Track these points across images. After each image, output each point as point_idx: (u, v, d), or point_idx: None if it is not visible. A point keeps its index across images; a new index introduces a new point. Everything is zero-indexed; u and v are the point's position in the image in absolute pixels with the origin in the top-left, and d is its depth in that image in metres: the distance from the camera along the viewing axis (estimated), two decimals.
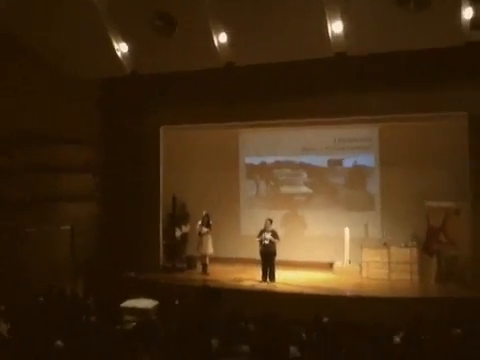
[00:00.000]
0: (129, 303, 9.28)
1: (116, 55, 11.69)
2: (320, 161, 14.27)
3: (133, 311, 8.71)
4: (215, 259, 13.26)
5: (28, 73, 11.84)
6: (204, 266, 12.96)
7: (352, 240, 12.72)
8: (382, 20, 9.78)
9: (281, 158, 14.64)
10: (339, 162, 14.13)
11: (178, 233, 14.04)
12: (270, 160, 14.76)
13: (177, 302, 9.15)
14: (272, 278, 11.86)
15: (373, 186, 13.76)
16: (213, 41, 10.97)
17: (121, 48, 11.69)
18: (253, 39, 10.77)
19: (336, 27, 10.24)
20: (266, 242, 11.84)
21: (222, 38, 11.01)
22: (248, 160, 14.99)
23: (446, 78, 10.85)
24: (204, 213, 13.03)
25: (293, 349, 6.06)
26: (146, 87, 12.93)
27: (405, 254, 12.19)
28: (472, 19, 9.04)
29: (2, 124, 11.42)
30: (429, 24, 9.52)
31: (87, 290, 12.10)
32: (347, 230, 12.77)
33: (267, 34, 10.51)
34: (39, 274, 11.07)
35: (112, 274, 12.40)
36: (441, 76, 10.87)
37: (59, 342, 6.07)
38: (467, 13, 9.31)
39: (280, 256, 12.09)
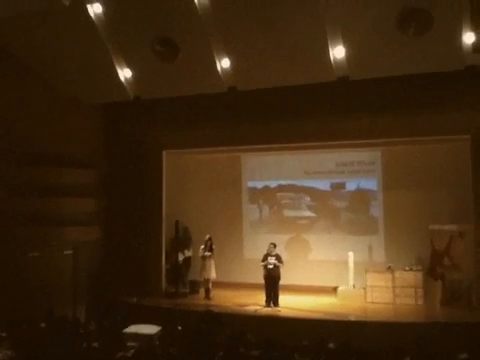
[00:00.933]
0: (132, 329, 9.17)
1: (119, 80, 11.81)
2: (323, 185, 14.28)
3: (136, 337, 8.60)
4: (218, 284, 13.17)
5: (32, 95, 11.98)
6: (207, 291, 12.86)
7: (356, 264, 12.63)
8: (383, 45, 9.89)
9: (284, 182, 14.64)
10: (342, 185, 14.13)
11: (181, 257, 13.97)
12: (273, 184, 14.76)
13: (180, 328, 9.05)
14: (276, 303, 11.75)
15: (376, 209, 13.73)
16: (216, 66, 11.07)
17: (124, 73, 11.80)
18: (256, 64, 10.87)
19: (338, 52, 10.34)
20: (270, 266, 11.76)
21: (225, 63, 11.11)
22: (251, 184, 15.00)
23: (449, 101, 10.91)
24: (207, 237, 12.99)
25: None
26: (149, 111, 13.01)
27: (410, 278, 12.10)
28: (474, 43, 9.11)
29: (5, 146, 11.46)
30: (430, 48, 9.64)
31: (89, 315, 12.03)
32: (351, 254, 12.70)
33: (269, 59, 10.61)
34: (41, 299, 11.00)
35: (114, 299, 12.32)
36: (444, 99, 10.93)
37: None
38: (468, 37, 9.39)
39: (284, 280, 11.99)
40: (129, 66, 11.70)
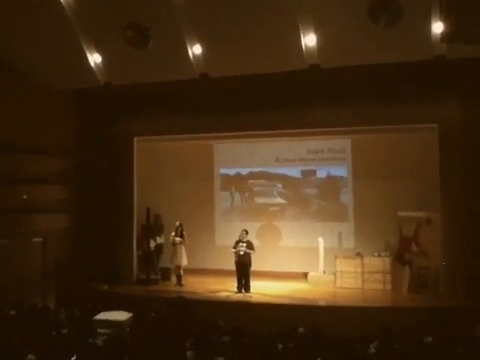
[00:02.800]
0: (102, 315, 9.15)
1: (90, 66, 11.65)
2: (294, 172, 14.38)
3: (106, 323, 8.59)
4: (190, 270, 13.21)
5: (1, 82, 11.69)
6: (178, 277, 12.89)
7: (326, 250, 12.80)
8: (354, 34, 9.96)
9: (256, 169, 14.70)
10: (313, 173, 14.25)
11: (152, 244, 13.96)
12: (245, 171, 14.81)
13: (153, 314, 9.07)
14: (247, 289, 11.85)
15: (346, 197, 13.90)
16: (187, 52, 11.01)
17: (95, 59, 11.64)
18: (227, 51, 10.86)
19: (309, 40, 10.39)
20: (241, 253, 11.84)
21: (196, 49, 11.05)
22: (223, 171, 15.01)
23: (417, 91, 11.06)
24: (177, 223, 12.98)
25: None
26: (120, 98, 12.87)
27: (378, 264, 12.33)
28: (442, 33, 9.23)
29: None
30: (400, 38, 9.73)
31: (59, 303, 11.94)
32: (321, 240, 12.85)
33: (241, 46, 10.59)
34: (10, 287, 10.88)
35: (85, 287, 12.25)
36: (413, 89, 11.09)
37: (31, 356, 5.96)
38: (437, 27, 9.52)
39: (255, 267, 12.09)
40: (99, 51, 11.53)
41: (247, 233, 12.11)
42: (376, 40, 9.88)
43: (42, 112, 12.54)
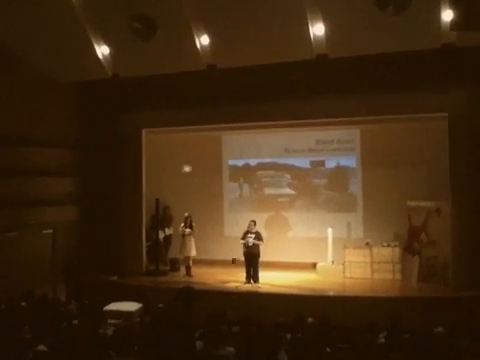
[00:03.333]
0: (112, 306, 9.22)
1: (97, 58, 11.65)
2: (303, 163, 14.35)
3: (116, 314, 8.65)
4: (199, 261, 13.24)
5: (7, 75, 11.71)
6: (187, 268, 12.94)
7: (335, 241, 12.80)
8: (362, 23, 9.88)
9: (264, 160, 14.67)
10: (321, 163, 14.21)
11: (161, 235, 14.02)
12: (253, 162, 14.79)
13: (161, 305, 9.11)
14: (256, 279, 11.88)
15: (355, 187, 13.86)
16: (195, 44, 10.98)
17: (102, 51, 11.64)
18: (235, 42, 10.82)
19: (317, 29, 10.33)
20: (250, 244, 11.86)
21: (204, 40, 11.02)
22: (231, 162, 15.00)
23: (427, 80, 10.96)
24: (186, 214, 13.00)
25: (281, 353, 6.06)
26: (128, 89, 12.86)
27: (387, 254, 12.31)
28: (451, 21, 9.15)
29: None
30: (408, 26, 9.64)
31: (69, 294, 12.03)
32: (330, 231, 12.84)
33: (249, 37, 10.54)
34: (20, 279, 10.96)
35: (94, 278, 12.33)
36: (422, 78, 10.98)
37: (42, 346, 6.02)
38: (446, 15, 9.44)
39: (264, 257, 12.10)
40: (107, 43, 11.53)
41: (255, 224, 12.12)
42: (384, 29, 9.79)
43: (49, 104, 12.57)
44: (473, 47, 9.91)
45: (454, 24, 8.92)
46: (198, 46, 11.05)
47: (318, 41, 10.45)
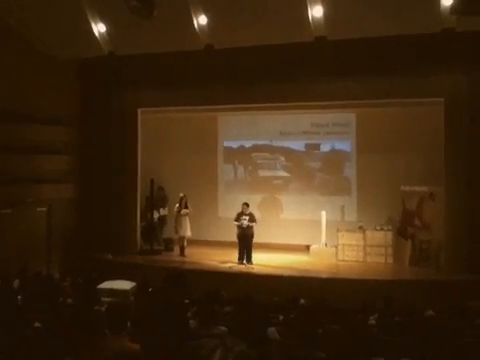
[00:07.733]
0: (107, 284, 9.25)
1: (94, 35, 11.54)
2: (298, 145, 14.35)
3: (111, 292, 8.68)
4: (193, 242, 13.30)
5: (6, 52, 11.58)
6: (182, 248, 12.99)
7: (329, 223, 12.87)
8: (361, 5, 9.81)
9: (259, 142, 14.66)
10: (316, 146, 14.22)
11: (156, 215, 14.04)
12: (248, 144, 14.78)
13: (151, 289, 9.15)
14: (249, 260, 11.95)
15: (350, 170, 13.91)
16: (193, 23, 10.89)
17: (99, 28, 11.53)
18: (233, 22, 10.73)
19: (316, 11, 10.26)
20: (244, 226, 11.90)
21: (202, 20, 10.93)
22: (226, 143, 14.99)
23: (423, 64, 10.95)
24: (181, 195, 13.02)
25: (271, 330, 6.12)
26: (124, 68, 12.76)
27: (380, 237, 12.41)
28: (451, 5, 9.11)
29: None
30: (408, 10, 9.60)
31: (63, 272, 12.07)
32: (324, 214, 12.90)
33: (247, 17, 10.45)
34: (14, 256, 10.98)
35: (89, 256, 12.37)
36: (418, 62, 10.97)
37: (37, 324, 6.05)
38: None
39: (258, 239, 12.17)
40: (103, 21, 11.41)
41: (248, 206, 12.15)
42: (384, 12, 9.74)
43: (48, 82, 12.45)
44: (471, 32, 9.88)
45: (454, 8, 8.89)
46: (196, 26, 10.96)
47: (317, 23, 10.38)
